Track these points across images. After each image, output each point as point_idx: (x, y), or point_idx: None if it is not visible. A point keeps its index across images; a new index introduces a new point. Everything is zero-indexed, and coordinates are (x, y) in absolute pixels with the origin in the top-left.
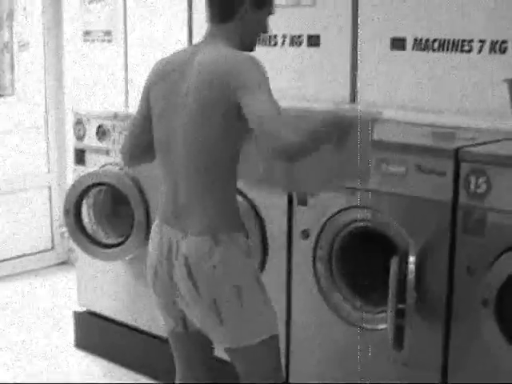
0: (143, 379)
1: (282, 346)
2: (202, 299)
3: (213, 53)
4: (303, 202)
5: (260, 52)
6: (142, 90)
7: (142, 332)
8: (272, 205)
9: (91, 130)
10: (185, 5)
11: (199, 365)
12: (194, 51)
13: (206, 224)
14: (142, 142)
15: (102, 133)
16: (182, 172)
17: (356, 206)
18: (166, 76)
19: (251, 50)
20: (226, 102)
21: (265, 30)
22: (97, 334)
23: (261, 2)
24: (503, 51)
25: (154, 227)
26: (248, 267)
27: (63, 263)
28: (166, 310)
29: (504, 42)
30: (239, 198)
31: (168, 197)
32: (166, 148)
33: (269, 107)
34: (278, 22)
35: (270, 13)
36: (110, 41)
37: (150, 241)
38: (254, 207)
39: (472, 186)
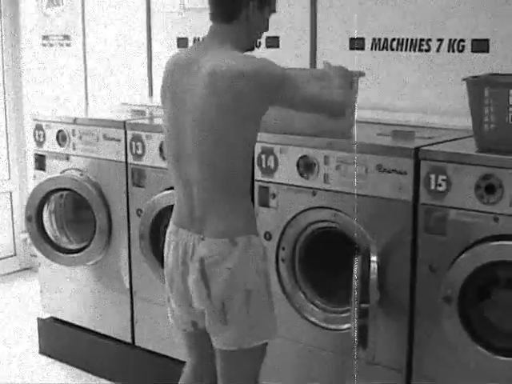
0: None
1: None
2: (212, 300)
3: (218, 57)
4: (265, 204)
5: None
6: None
7: (106, 337)
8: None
9: (51, 136)
10: (143, 7)
11: (208, 357)
12: (197, 53)
13: (223, 227)
14: None
15: (62, 138)
16: (196, 176)
17: (317, 207)
18: (170, 75)
19: (252, 49)
20: (245, 105)
21: (267, 28)
22: (61, 340)
23: (265, 1)
24: (461, 50)
25: (169, 233)
26: (261, 271)
27: (26, 269)
28: (181, 312)
29: (462, 40)
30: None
31: (182, 201)
32: (177, 151)
33: (311, 95)
34: None
35: (273, 11)
36: (68, 45)
37: (166, 246)
38: None
39: (432, 185)
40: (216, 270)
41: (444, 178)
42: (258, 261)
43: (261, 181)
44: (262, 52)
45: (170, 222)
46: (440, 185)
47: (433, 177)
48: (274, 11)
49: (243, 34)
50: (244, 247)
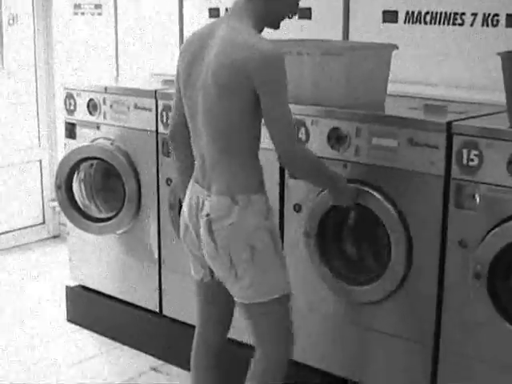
0: (136, 353)
1: None
2: (220, 254)
3: (235, 31)
4: (295, 176)
5: None
6: (176, 71)
7: (133, 306)
8: (264, 178)
9: (82, 104)
10: None
11: (221, 309)
12: (215, 26)
13: (226, 185)
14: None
15: (92, 107)
16: (205, 137)
17: (348, 180)
18: (188, 50)
19: (276, 27)
20: (245, 87)
21: (295, 10)
22: (89, 308)
23: None
24: (495, 24)
25: (190, 186)
26: (264, 228)
27: (55, 237)
28: (195, 261)
29: (496, 15)
30: None
31: (197, 159)
32: (192, 115)
33: (285, 116)
34: None
35: None
36: (100, 14)
37: (185, 199)
38: None
39: (464, 160)
40: (220, 225)
41: (476, 153)
42: (260, 218)
43: None
44: (293, 23)
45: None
46: (472, 160)
47: (465, 152)
48: None
49: (265, 11)
50: (244, 205)
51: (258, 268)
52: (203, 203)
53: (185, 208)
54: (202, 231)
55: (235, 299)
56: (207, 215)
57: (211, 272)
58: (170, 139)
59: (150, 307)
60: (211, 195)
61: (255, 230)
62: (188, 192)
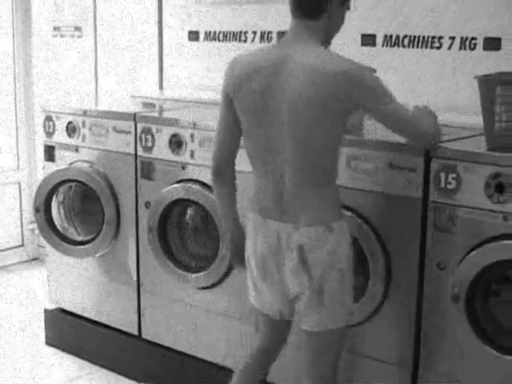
0: (115, 376)
1: None
2: (312, 283)
3: (314, 54)
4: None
5: (229, 48)
6: (222, 96)
7: (112, 329)
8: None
9: (61, 127)
10: (155, 1)
11: (276, 344)
12: (286, 50)
13: (318, 215)
14: (235, 150)
15: (71, 129)
16: (287, 171)
17: None
18: (253, 78)
19: (329, 44)
20: (341, 104)
21: (341, 25)
22: (68, 331)
23: None
24: (473, 48)
25: (255, 222)
26: (350, 254)
27: (34, 260)
28: (271, 299)
29: (474, 38)
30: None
31: (269, 195)
32: (267, 148)
33: (400, 112)
34: (249, 19)
35: (348, 8)
36: (79, 36)
37: (252, 236)
38: None
39: (442, 183)
40: (316, 254)
41: (454, 176)
42: (349, 243)
43: None
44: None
45: (251, 213)
46: (450, 183)
47: (443, 175)
48: (349, 9)
49: (325, 30)
50: (338, 232)
51: (343, 293)
52: (288, 237)
53: (258, 247)
54: (292, 264)
55: (308, 328)
56: (299, 247)
57: (281, 314)
58: (216, 175)
59: (129, 330)
60: (301, 227)
61: (348, 256)
62: (256, 229)
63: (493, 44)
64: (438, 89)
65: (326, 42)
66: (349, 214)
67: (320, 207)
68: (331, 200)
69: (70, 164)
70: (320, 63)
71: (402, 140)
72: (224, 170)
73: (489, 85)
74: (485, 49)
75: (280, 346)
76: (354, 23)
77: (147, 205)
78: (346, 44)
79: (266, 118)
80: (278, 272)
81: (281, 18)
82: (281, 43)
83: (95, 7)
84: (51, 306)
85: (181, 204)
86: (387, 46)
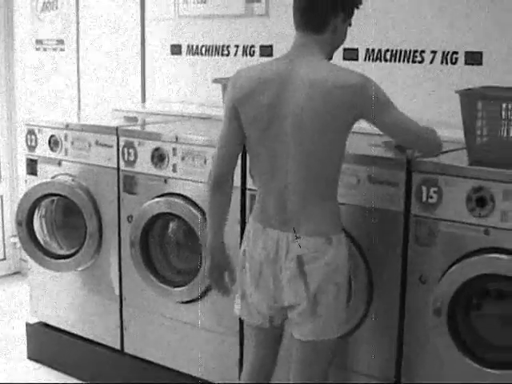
0: None
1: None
2: (308, 294)
3: (318, 67)
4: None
5: (211, 62)
6: (227, 109)
7: (95, 343)
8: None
9: (43, 140)
10: (138, 14)
11: (269, 355)
12: (291, 64)
13: (319, 226)
14: (235, 162)
15: (53, 143)
16: (291, 181)
17: None
18: (259, 91)
19: (330, 58)
20: (345, 115)
21: (344, 40)
22: (50, 345)
23: (350, 13)
24: (454, 62)
25: (256, 230)
26: (348, 267)
27: (16, 273)
28: (258, 308)
29: (455, 52)
30: None
31: (271, 204)
32: (271, 158)
33: (405, 123)
34: (231, 32)
35: (350, 24)
36: (62, 50)
37: (251, 244)
38: None
39: (424, 197)
40: (315, 265)
41: (435, 189)
42: (347, 257)
43: (252, 190)
44: (255, 60)
45: (252, 221)
46: (431, 197)
47: (424, 188)
48: (350, 25)
49: (329, 45)
50: (337, 245)
51: (337, 306)
52: (288, 246)
53: (257, 253)
54: (289, 274)
55: (301, 338)
56: (298, 257)
57: (271, 319)
58: (215, 187)
59: (111, 344)
60: (301, 237)
61: (345, 269)
62: (255, 238)
63: (474, 58)
64: (419, 103)
65: (329, 56)
66: None
67: (321, 219)
68: (332, 213)
69: (53, 178)
70: (324, 76)
71: (383, 153)
72: (223, 181)
73: (470, 99)
74: (466, 63)
75: (274, 359)
76: None
77: (129, 219)
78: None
79: (272, 129)
80: (273, 280)
81: (263, 31)
82: (285, 57)
83: (78, 20)
84: (33, 320)
85: (163, 218)
86: (369, 60)
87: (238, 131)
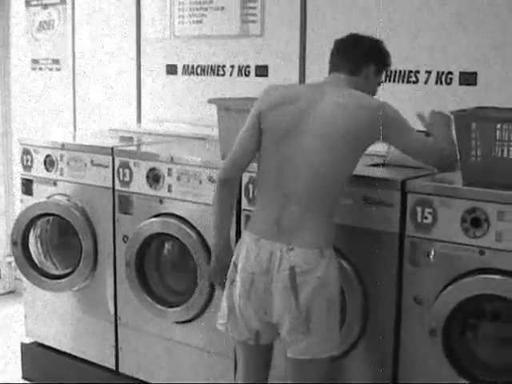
0: None
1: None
2: (299, 308)
3: (346, 93)
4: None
5: (207, 82)
6: (250, 117)
7: (89, 363)
8: None
9: (39, 160)
10: (133, 34)
11: (259, 372)
12: (320, 88)
13: (314, 238)
14: (246, 165)
15: (49, 163)
16: (294, 192)
17: None
18: (287, 102)
19: None
20: (365, 136)
21: (375, 93)
22: (45, 365)
23: (380, 70)
24: (449, 82)
25: (249, 242)
26: (339, 283)
27: (10, 292)
28: (247, 320)
29: (450, 73)
30: None
31: (269, 214)
32: (280, 167)
33: (421, 142)
34: (227, 53)
35: (380, 82)
36: (58, 69)
37: (244, 254)
38: None
39: (419, 218)
40: (306, 278)
41: (430, 210)
42: (338, 272)
43: (247, 210)
44: (251, 80)
45: (247, 232)
46: (426, 217)
47: (419, 209)
48: (379, 84)
49: (359, 87)
50: (330, 259)
51: (330, 323)
52: (281, 258)
53: (249, 264)
54: (280, 286)
55: (293, 356)
56: (290, 268)
57: (257, 335)
58: (223, 182)
59: (106, 365)
60: (294, 248)
61: (336, 284)
62: (250, 248)
63: (469, 79)
64: (414, 123)
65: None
66: None
67: (316, 232)
68: (327, 227)
69: (48, 197)
70: (348, 98)
71: (378, 174)
72: (230, 182)
73: (464, 120)
74: (461, 83)
75: (265, 375)
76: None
77: (125, 239)
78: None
79: (288, 140)
80: (265, 291)
81: (259, 52)
82: (318, 83)
83: (73, 40)
84: (28, 340)
85: (158, 238)
86: None
87: (255, 138)
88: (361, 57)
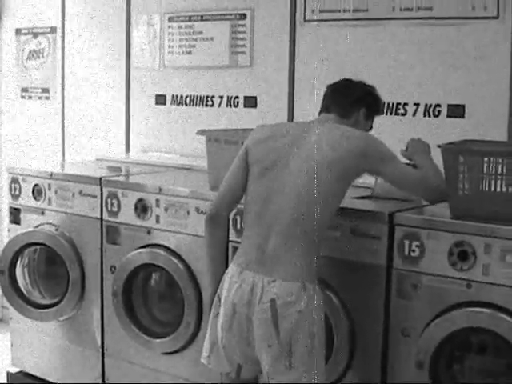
0: None
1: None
2: (280, 342)
3: (332, 126)
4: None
5: (196, 112)
6: (238, 155)
7: None
8: None
9: (27, 189)
10: (123, 63)
11: None
12: (309, 124)
13: (296, 271)
14: (235, 202)
15: (37, 192)
16: (279, 223)
17: None
18: (273, 137)
19: None
20: (350, 165)
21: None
22: None
23: (370, 115)
24: (437, 115)
25: (232, 274)
26: (321, 317)
27: None
28: (229, 353)
29: (438, 105)
30: None
31: (253, 245)
32: (265, 199)
33: (409, 173)
34: (216, 83)
35: (371, 127)
36: (47, 98)
37: (226, 286)
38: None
39: (406, 250)
40: (287, 311)
41: (418, 243)
42: (321, 306)
43: (235, 241)
44: (239, 111)
45: (231, 265)
46: (414, 250)
47: (407, 242)
48: (371, 128)
49: (351, 126)
50: (312, 292)
51: (313, 358)
52: (263, 289)
53: (232, 296)
54: (261, 318)
55: None
56: (272, 300)
57: (239, 369)
58: (212, 219)
59: None
60: (276, 280)
61: (319, 319)
62: (233, 279)
63: (457, 111)
64: (400, 155)
65: None
66: None
67: (299, 265)
68: (310, 261)
69: (36, 227)
70: (334, 131)
71: (365, 207)
72: (219, 216)
73: (452, 153)
74: (449, 116)
75: None
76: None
77: (112, 269)
78: (311, 109)
79: (274, 170)
80: (246, 323)
81: (247, 82)
82: (306, 121)
83: (63, 69)
84: (14, 369)
85: (146, 269)
86: None
87: (243, 174)
88: (352, 102)
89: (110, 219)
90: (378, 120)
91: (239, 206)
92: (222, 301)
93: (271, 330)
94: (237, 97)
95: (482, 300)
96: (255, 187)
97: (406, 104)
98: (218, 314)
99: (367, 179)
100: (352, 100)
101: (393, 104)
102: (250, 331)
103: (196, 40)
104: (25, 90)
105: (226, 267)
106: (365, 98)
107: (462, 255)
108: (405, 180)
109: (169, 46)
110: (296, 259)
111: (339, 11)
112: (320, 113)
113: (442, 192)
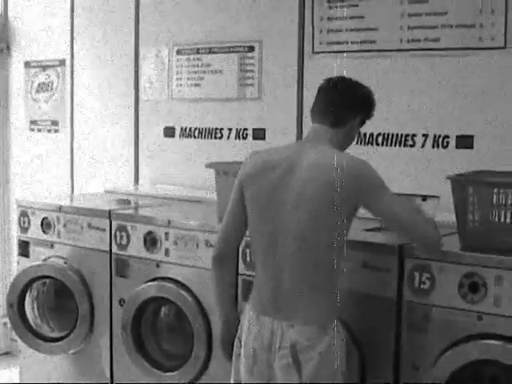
0: None
1: None
2: None
3: (326, 154)
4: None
5: (204, 145)
6: (234, 189)
7: None
8: None
9: (36, 222)
10: (132, 96)
11: None
12: (300, 150)
13: (314, 313)
14: (240, 237)
15: (46, 225)
16: (289, 264)
17: None
18: (266, 171)
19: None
20: (346, 200)
21: (352, 141)
22: None
23: (365, 121)
24: (445, 146)
25: (250, 317)
26: (344, 354)
27: (6, 354)
28: None
29: (446, 136)
30: None
31: (267, 287)
32: (269, 239)
33: (401, 209)
34: (224, 115)
35: (360, 126)
36: (56, 130)
37: (245, 329)
38: None
39: (416, 283)
40: (308, 355)
41: (428, 275)
42: (343, 344)
43: (244, 274)
44: (248, 143)
45: (248, 306)
46: (424, 282)
47: (417, 274)
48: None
49: (341, 140)
50: (333, 332)
51: None
52: (282, 334)
53: (251, 341)
54: (283, 364)
55: None
56: (292, 346)
57: None
58: (219, 261)
59: None
60: (295, 325)
61: (342, 357)
62: (251, 324)
63: (465, 142)
64: (411, 187)
65: (340, 149)
66: None
67: (316, 307)
68: (328, 300)
69: (45, 260)
70: (326, 160)
71: (375, 239)
72: (226, 255)
73: (461, 185)
74: (457, 147)
75: None
76: None
77: (121, 302)
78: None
79: (272, 210)
80: (268, 368)
81: (256, 115)
82: (298, 142)
83: (72, 101)
84: None
85: (155, 302)
86: (361, 143)
87: (242, 210)
88: (349, 109)
89: (119, 252)
90: (388, 152)
91: (246, 237)
92: (243, 343)
93: (294, 374)
94: (245, 129)
95: (493, 332)
96: (257, 227)
97: (414, 135)
98: (239, 354)
99: None
100: (348, 108)
101: (401, 135)
102: (271, 377)
103: (204, 72)
104: (34, 122)
105: (236, 299)
106: (362, 105)
107: (472, 287)
108: (394, 218)
109: (177, 79)
110: (311, 301)
111: (347, 43)
112: (313, 119)
113: (435, 241)
